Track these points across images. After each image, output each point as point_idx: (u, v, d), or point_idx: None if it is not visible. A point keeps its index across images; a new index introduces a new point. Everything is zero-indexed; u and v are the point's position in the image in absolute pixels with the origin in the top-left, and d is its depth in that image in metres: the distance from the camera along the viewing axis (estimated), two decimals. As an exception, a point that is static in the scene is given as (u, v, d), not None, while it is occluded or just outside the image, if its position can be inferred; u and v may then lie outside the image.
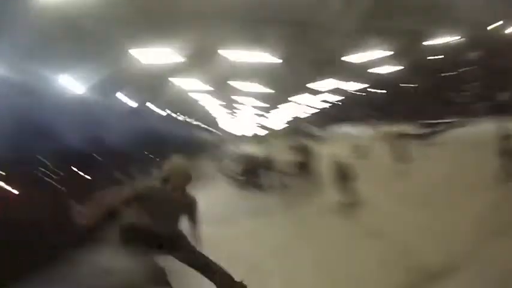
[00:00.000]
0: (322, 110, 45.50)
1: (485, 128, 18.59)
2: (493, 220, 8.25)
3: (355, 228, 9.92)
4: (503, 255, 6.53)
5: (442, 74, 28.97)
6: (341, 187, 11.90)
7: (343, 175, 11.83)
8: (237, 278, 5.25)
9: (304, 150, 16.39)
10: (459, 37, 20.19)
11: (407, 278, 6.49)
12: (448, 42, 20.00)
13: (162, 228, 4.25)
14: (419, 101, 30.93)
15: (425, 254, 7.35)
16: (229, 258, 9.13)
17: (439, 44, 19.90)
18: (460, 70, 27.59)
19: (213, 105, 28.27)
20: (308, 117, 49.59)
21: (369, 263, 7.47)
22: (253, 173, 16.31)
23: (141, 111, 23.54)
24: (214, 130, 54.32)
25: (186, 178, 4.32)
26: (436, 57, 26.84)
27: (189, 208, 4.64)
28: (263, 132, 58.15)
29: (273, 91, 21.11)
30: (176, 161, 4.57)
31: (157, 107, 23.70)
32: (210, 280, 4.48)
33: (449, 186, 11.42)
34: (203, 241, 5.28)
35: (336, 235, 9.64)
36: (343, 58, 16.68)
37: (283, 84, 19.62)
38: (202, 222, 13.06)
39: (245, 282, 4.85)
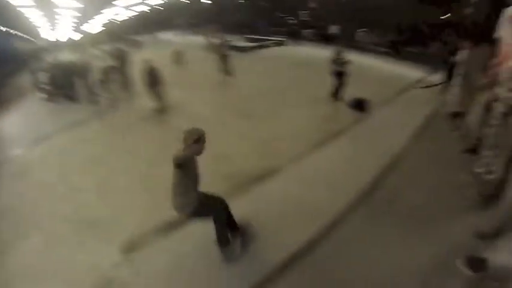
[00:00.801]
0: (142, 14, 43.95)
1: (310, 51, 20.12)
2: (315, 131, 9.13)
3: (170, 134, 9.67)
4: (318, 160, 7.45)
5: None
6: (152, 92, 11.56)
7: (154, 80, 11.38)
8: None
9: (119, 56, 15.10)
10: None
11: (227, 183, 6.73)
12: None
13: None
14: (247, 16, 31.84)
15: (245, 160, 7.76)
16: (45, 178, 8.53)
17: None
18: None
19: (24, 8, 24.43)
20: (126, 21, 47.37)
21: None
22: (64, 82, 14.79)
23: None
24: (27, 37, 48.25)
25: None
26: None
27: None
28: (79, 36, 53.71)
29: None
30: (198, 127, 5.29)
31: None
32: None
33: (272, 99, 12.19)
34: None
35: (149, 142, 9.51)
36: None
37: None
38: (14, 143, 11.75)
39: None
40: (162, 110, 11.45)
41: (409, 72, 15.41)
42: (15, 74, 34.83)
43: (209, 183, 6.60)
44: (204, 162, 7.57)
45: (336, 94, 11.32)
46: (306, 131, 9.23)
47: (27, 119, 15.48)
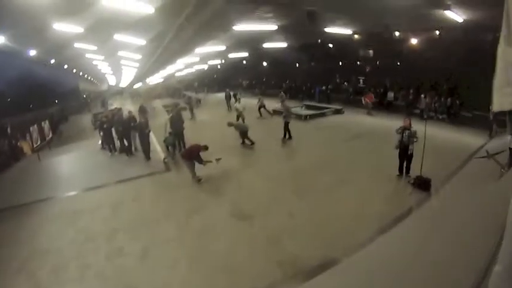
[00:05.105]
0: (201, 72, 45.70)
1: (368, 120, 19.47)
2: (376, 213, 8.08)
3: (222, 206, 9.22)
4: (378, 252, 6.45)
5: (336, 62, 30.47)
6: (187, 166, 11.35)
7: (190, 155, 11.25)
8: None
9: (175, 112, 15.36)
10: (355, 32, 21.06)
11: (279, 271, 6.14)
12: (344, 34, 20.74)
13: None
14: (304, 81, 31.97)
15: (297, 246, 6.95)
16: (91, 229, 8.63)
17: (334, 33, 20.42)
18: (353, 62, 29.31)
19: (94, 55, 26.04)
20: (185, 77, 49.39)
21: (239, 249, 7.05)
22: (123, 135, 15.13)
23: (22, 56, 21.11)
24: (92, 79, 51.81)
25: None
26: (328, 44, 28.06)
27: None
28: (139, 86, 57.35)
29: (158, 48, 20.14)
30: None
31: (39, 53, 21.07)
32: None
33: (329, 174, 11.06)
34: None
35: (199, 212, 9.09)
36: (234, 27, 16.13)
37: (170, 44, 18.68)
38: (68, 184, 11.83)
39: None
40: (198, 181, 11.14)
41: (468, 138, 14.00)
42: (77, 113, 36.98)
43: (261, 268, 6.25)
44: (256, 245, 7.15)
45: (401, 170, 10.27)
46: (365, 212, 8.14)
47: (84, 161, 16.11)
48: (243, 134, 15.10)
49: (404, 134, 9.86)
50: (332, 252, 6.44)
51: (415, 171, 9.83)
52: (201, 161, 11.10)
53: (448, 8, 13.54)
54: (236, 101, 21.25)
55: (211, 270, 6.36)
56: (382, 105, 21.69)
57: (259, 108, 22.19)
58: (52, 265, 7.15)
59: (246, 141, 15.17)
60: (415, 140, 9.71)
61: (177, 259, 6.86)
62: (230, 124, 15.09)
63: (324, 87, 27.76)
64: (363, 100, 21.99)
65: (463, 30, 16.57)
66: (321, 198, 9.25)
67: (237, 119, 16.55)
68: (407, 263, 5.70)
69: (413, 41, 22.06)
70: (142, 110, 20.20)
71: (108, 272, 6.67)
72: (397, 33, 21.31)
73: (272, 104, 23.18)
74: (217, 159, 11.58)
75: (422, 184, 9.28)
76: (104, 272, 6.70)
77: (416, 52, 22.05)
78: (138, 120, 15.10)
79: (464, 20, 14.75)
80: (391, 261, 5.99)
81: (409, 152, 9.86)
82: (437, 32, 19.54)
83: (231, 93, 28.98)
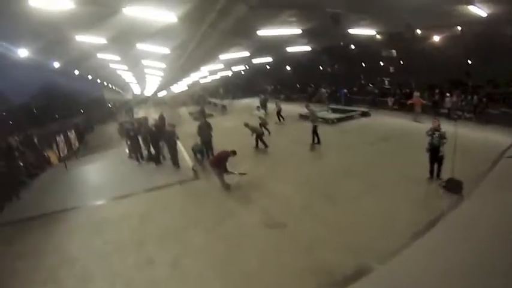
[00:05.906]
0: (226, 78, 45.79)
1: (397, 122, 18.94)
2: (405, 220, 7.76)
3: (252, 216, 9.00)
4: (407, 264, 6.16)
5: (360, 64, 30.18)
6: (216, 174, 11.35)
7: (219, 163, 11.19)
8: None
9: (201, 121, 15.43)
10: (377, 32, 20.71)
11: (312, 281, 5.96)
12: (366, 35, 20.42)
13: None
14: (328, 84, 31.65)
15: (328, 254, 6.76)
16: (120, 240, 8.60)
17: (355, 35, 20.12)
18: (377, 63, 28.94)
19: (117, 65, 26.48)
20: (210, 84, 49.63)
21: (271, 258, 6.89)
22: (151, 144, 15.12)
23: (47, 68, 21.53)
24: (119, 90, 52.75)
25: None
26: (351, 46, 27.72)
27: None
28: (163, 94, 57.96)
29: (182, 56, 20.23)
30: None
31: (63, 65, 21.44)
32: None
33: (357, 178, 10.82)
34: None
35: (229, 219, 8.97)
36: (258, 32, 16.04)
37: (193, 52, 18.75)
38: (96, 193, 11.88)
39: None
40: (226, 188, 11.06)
41: (496, 137, 13.45)
42: (102, 122, 37.56)
43: (294, 277, 6.09)
44: (290, 253, 6.96)
45: (432, 173, 9.89)
46: (393, 219, 7.82)
47: (112, 170, 16.25)
48: (258, 136, 15.65)
49: (434, 136, 9.57)
50: (359, 261, 6.29)
51: (444, 173, 9.56)
52: (225, 170, 11.08)
53: (471, 3, 13.17)
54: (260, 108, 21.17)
55: (244, 280, 6.29)
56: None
57: (277, 114, 22.14)
58: (80, 274, 7.17)
59: (260, 145, 15.68)
60: (444, 141, 9.43)
61: (208, 269, 6.77)
62: (246, 125, 15.64)
63: (345, 90, 27.31)
64: (390, 99, 21.76)
65: (485, 25, 16.12)
66: (352, 204, 9.03)
67: (260, 127, 16.48)
68: (438, 273, 5.54)
69: (436, 38, 21.67)
70: (161, 119, 20.32)
71: (137, 283, 6.62)
72: (419, 32, 20.86)
73: (299, 108, 23.04)
74: (241, 174, 11.54)
75: (454, 187, 8.92)
76: (133, 282, 6.66)
77: (439, 49, 21.62)
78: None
79: (488, 14, 14.24)
80: (425, 271, 5.73)
81: (439, 154, 9.53)
82: (459, 28, 19.05)
83: (263, 97, 28.53)
